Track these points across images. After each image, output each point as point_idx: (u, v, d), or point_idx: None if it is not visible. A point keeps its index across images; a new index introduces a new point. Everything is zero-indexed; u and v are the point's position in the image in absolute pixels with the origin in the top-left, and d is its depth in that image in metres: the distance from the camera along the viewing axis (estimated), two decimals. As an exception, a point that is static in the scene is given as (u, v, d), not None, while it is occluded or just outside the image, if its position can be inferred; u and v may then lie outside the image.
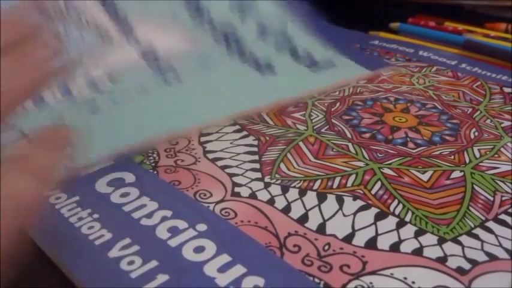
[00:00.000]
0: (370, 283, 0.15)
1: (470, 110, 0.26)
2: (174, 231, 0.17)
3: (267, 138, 0.23)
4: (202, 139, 0.23)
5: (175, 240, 0.16)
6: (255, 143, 0.22)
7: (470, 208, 0.18)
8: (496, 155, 0.22)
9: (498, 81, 0.30)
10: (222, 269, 0.15)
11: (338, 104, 0.27)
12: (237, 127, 0.24)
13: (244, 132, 0.23)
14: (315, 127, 0.24)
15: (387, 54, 0.34)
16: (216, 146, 0.22)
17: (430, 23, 0.41)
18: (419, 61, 0.33)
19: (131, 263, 0.15)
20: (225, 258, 0.15)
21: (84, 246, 0.16)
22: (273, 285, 0.14)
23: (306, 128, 0.24)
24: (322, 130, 0.24)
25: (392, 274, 0.15)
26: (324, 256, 0.16)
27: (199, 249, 0.16)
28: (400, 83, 0.30)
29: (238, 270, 0.15)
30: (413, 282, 0.15)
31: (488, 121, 0.25)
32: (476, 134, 0.24)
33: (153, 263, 0.15)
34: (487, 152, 0.22)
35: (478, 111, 0.26)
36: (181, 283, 0.14)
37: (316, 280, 0.15)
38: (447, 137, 0.23)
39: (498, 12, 0.43)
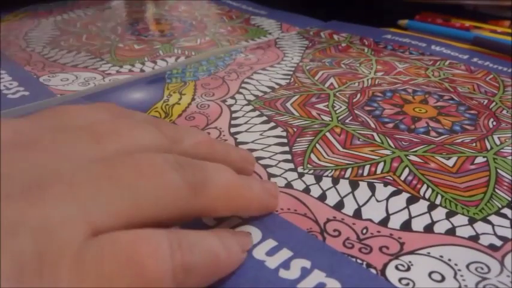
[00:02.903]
0: (409, 262, 0.16)
1: (486, 101, 0.27)
2: (219, 218, 0.17)
3: (295, 129, 0.24)
4: (233, 130, 0.24)
5: (221, 227, 0.17)
6: (284, 134, 0.23)
7: (496, 190, 0.19)
8: (515, 142, 0.23)
9: (510, 75, 0.31)
10: (270, 253, 0.16)
11: (359, 95, 0.27)
12: (264, 118, 0.25)
13: (272, 124, 0.24)
14: (339, 118, 0.25)
15: (401, 48, 0.35)
16: (246, 137, 0.23)
17: (438, 20, 0.42)
18: (432, 55, 0.34)
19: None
20: (271, 243, 0.16)
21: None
22: (319, 267, 0.15)
23: (330, 119, 0.25)
24: (347, 121, 0.25)
25: (429, 253, 0.16)
26: (363, 239, 0.17)
27: (246, 235, 0.17)
28: (416, 75, 0.30)
29: (285, 253, 0.16)
30: (449, 260, 0.16)
31: (504, 111, 0.26)
32: (495, 123, 0.25)
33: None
34: (507, 140, 0.23)
35: (494, 103, 0.27)
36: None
37: (359, 261, 0.16)
38: (467, 127, 0.24)
39: (499, 12, 0.44)
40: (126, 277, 0.11)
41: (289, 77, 0.30)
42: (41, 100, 0.27)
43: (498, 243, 0.17)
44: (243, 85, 0.29)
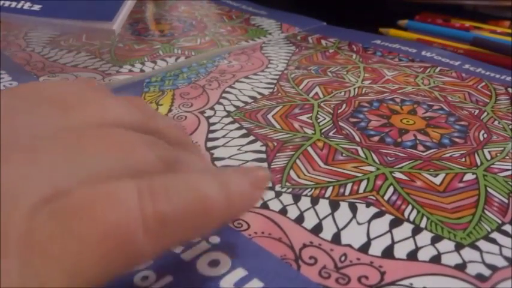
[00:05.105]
0: (390, 294, 0.14)
1: (477, 111, 0.26)
2: (187, 245, 0.16)
3: (275, 143, 0.22)
4: (209, 144, 0.22)
5: (188, 254, 0.16)
6: (263, 149, 0.22)
7: (486, 211, 0.18)
8: (506, 157, 0.21)
9: (502, 82, 0.30)
10: (239, 284, 0.15)
11: (344, 105, 0.26)
12: (244, 131, 0.24)
13: (252, 137, 0.23)
14: (322, 131, 0.24)
15: (390, 54, 0.34)
16: (223, 153, 0.22)
17: (438, 20, 0.41)
18: (423, 61, 0.33)
19: (145, 278, 0.15)
20: (240, 272, 0.15)
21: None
22: (292, 300, 0.14)
23: (313, 132, 0.23)
24: (330, 134, 0.23)
25: (411, 284, 0.15)
26: (341, 268, 0.15)
27: (214, 263, 0.15)
28: (405, 83, 0.29)
29: (255, 284, 0.15)
30: (433, 292, 0.15)
31: (496, 122, 0.25)
32: (486, 136, 0.23)
33: (168, 278, 0.15)
34: (498, 154, 0.22)
35: (485, 113, 0.26)
36: (197, 300, 0.14)
37: (335, 293, 0.14)
38: (456, 139, 0.23)
39: (499, 12, 0.43)
40: (81, 235, 0.10)
41: (272, 85, 0.29)
42: None
43: (486, 272, 0.15)
44: (224, 95, 0.28)
